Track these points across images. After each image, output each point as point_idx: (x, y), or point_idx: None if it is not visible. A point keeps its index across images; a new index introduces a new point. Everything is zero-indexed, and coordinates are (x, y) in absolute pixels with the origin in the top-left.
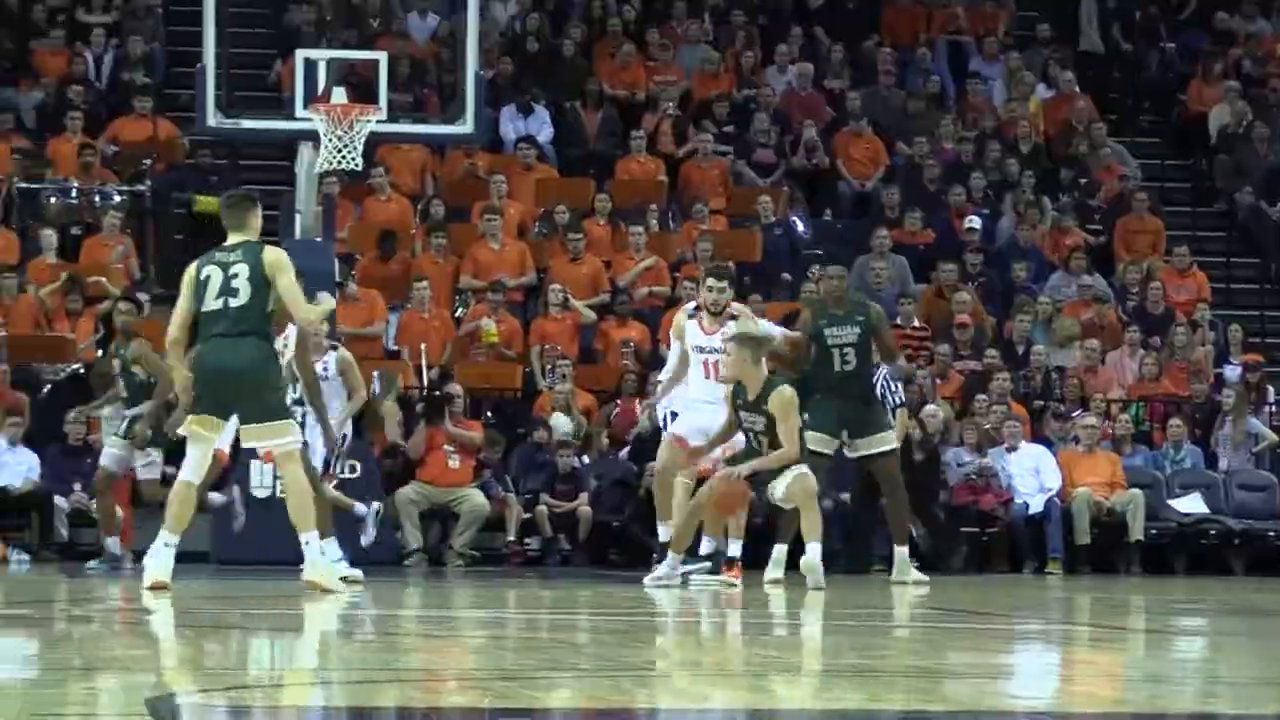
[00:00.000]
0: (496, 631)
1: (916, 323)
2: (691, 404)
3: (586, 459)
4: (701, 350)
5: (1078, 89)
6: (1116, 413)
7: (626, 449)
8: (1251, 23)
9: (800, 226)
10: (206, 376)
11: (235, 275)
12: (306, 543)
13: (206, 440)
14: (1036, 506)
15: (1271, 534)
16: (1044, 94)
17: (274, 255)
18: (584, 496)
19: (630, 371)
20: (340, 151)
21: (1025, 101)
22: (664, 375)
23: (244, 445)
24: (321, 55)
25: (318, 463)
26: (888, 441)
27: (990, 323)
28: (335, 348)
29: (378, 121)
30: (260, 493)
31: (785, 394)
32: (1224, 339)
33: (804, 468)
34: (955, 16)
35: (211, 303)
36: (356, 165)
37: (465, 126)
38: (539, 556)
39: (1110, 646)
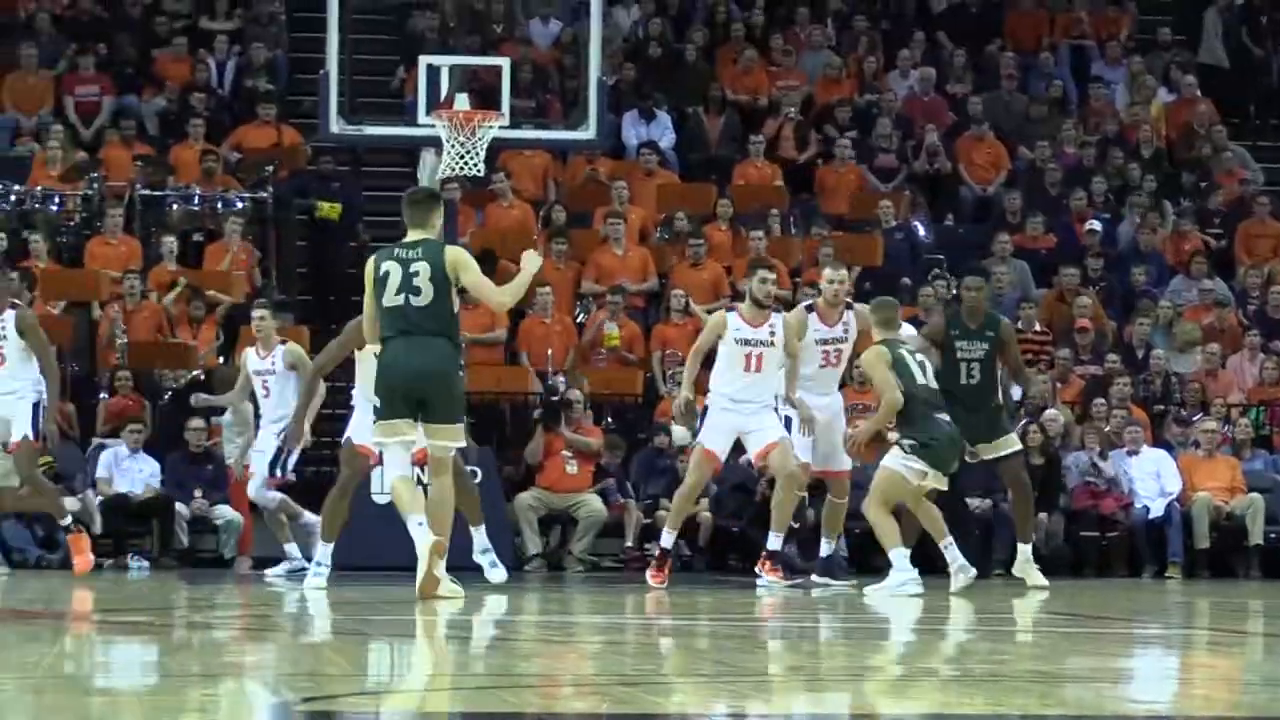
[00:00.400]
0: (615, 637)
1: (1038, 327)
2: (729, 403)
3: None
4: (747, 343)
5: (1199, 93)
6: (1236, 417)
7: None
8: None
9: (921, 231)
10: (395, 377)
11: (416, 274)
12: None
13: (406, 439)
14: (1157, 511)
15: None
16: (1165, 98)
17: (456, 254)
18: (704, 502)
19: None
20: (462, 158)
21: (1147, 105)
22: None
23: (429, 444)
24: (444, 61)
25: (262, 464)
26: (1011, 444)
27: (1111, 327)
28: (284, 341)
29: (500, 127)
30: (380, 499)
31: (871, 353)
32: None
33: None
34: (1078, 20)
35: (392, 299)
36: (479, 171)
37: (587, 132)
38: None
39: (1229, 651)
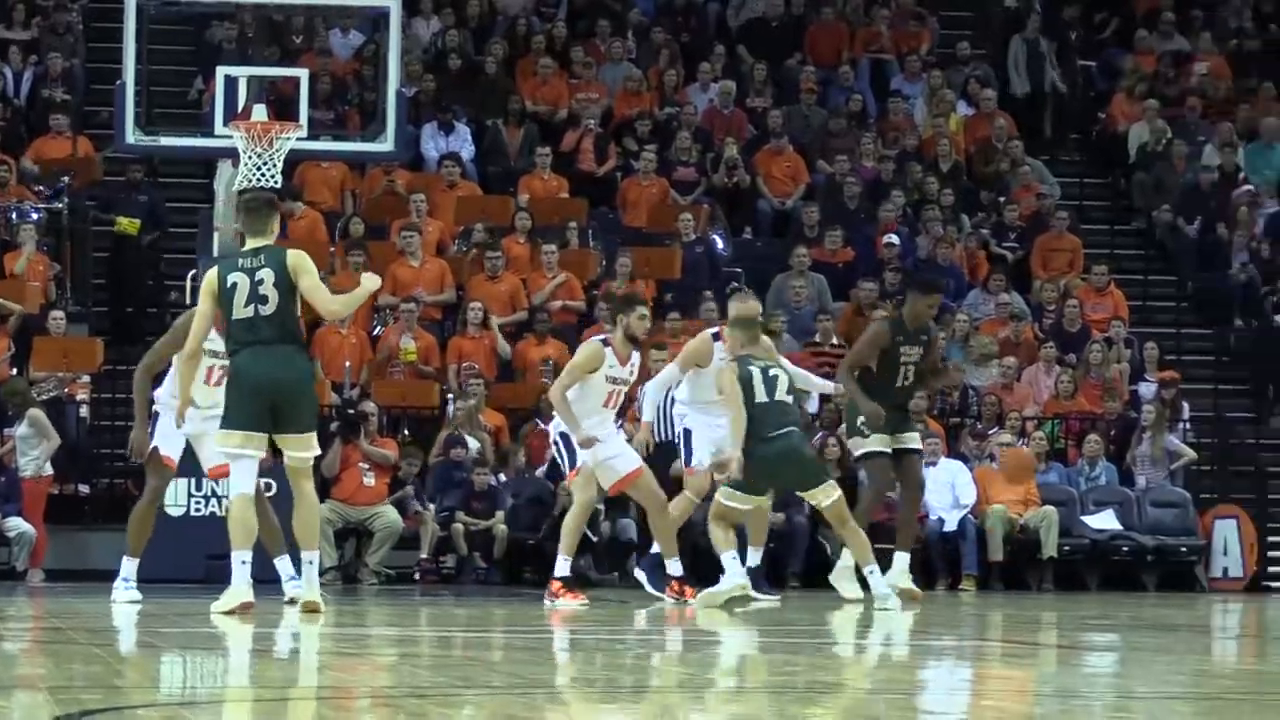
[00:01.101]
0: (409, 649)
1: (835, 340)
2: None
3: (503, 477)
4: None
5: (997, 106)
6: (1032, 430)
7: (543, 467)
8: (1169, 40)
9: (720, 244)
10: (248, 388)
11: (261, 281)
12: (310, 562)
13: (255, 454)
14: (951, 523)
15: (1184, 550)
16: (964, 112)
17: (296, 257)
18: (500, 514)
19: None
20: (259, 169)
21: (946, 120)
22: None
23: (287, 456)
24: (242, 72)
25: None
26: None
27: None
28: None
29: (298, 139)
30: (174, 510)
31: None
32: (1140, 357)
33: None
34: (878, 35)
35: (241, 311)
36: (276, 182)
37: (386, 144)
38: (454, 574)
39: (1021, 662)
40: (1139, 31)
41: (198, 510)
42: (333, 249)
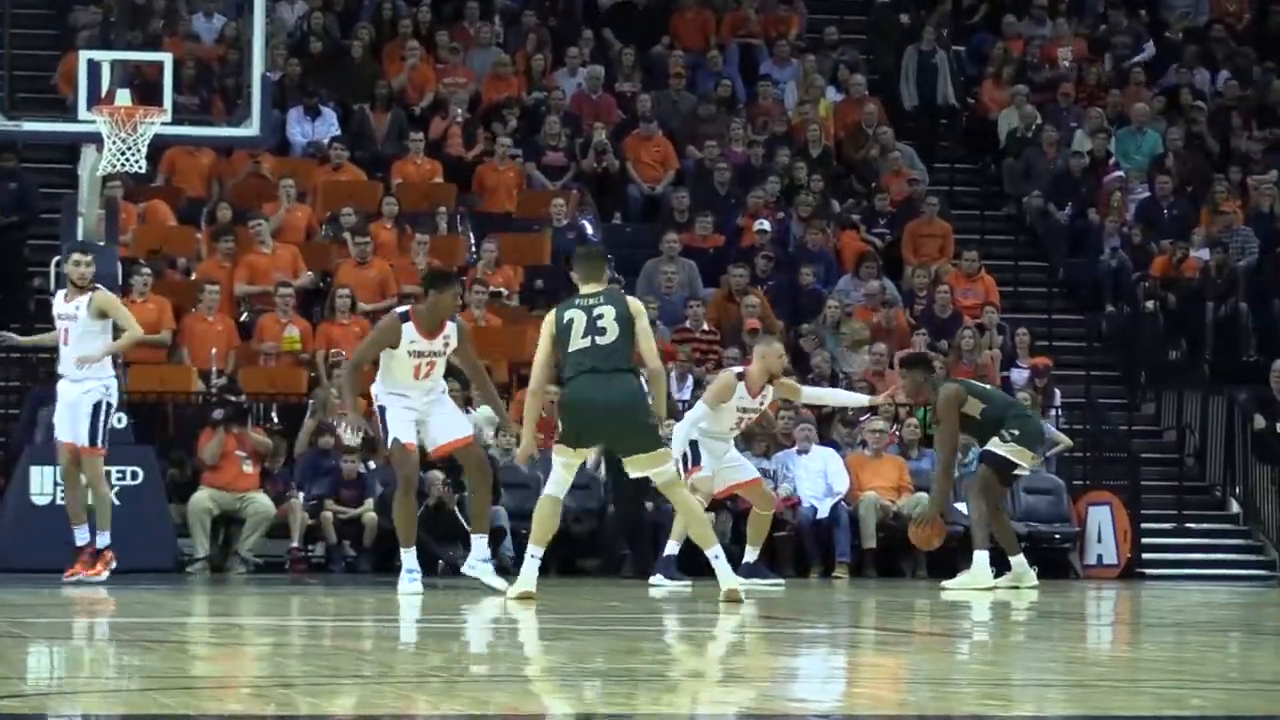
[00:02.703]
0: (279, 639)
1: (706, 326)
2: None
3: (373, 464)
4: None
5: (867, 92)
6: (905, 416)
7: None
8: (1040, 25)
9: (589, 229)
10: (579, 410)
11: (601, 316)
12: (716, 556)
13: (573, 464)
14: (824, 510)
15: (1058, 537)
16: (834, 97)
17: (635, 303)
18: (369, 503)
19: None
20: (124, 154)
21: (816, 105)
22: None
23: (630, 472)
24: (105, 56)
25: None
26: None
27: (779, 326)
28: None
29: (162, 124)
30: (40, 499)
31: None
32: (1012, 343)
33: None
34: (746, 19)
35: (579, 341)
36: (140, 168)
37: (251, 129)
38: (323, 563)
39: (895, 650)
40: (1007, 16)
41: (63, 500)
42: (199, 234)
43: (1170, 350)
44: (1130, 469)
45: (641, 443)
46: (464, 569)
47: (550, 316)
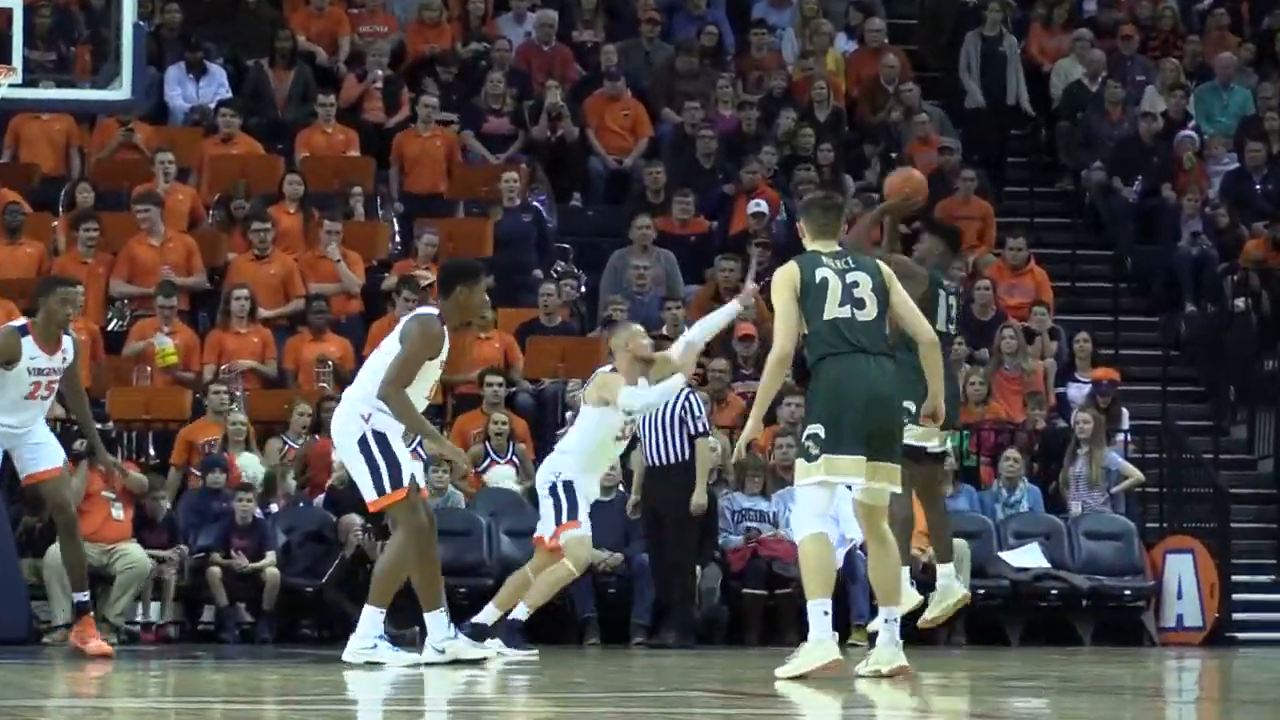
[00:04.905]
0: None
1: None
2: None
3: (273, 507)
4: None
5: (887, 40)
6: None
7: (322, 495)
8: None
9: (544, 213)
10: (846, 401)
11: (856, 284)
12: (889, 620)
13: (831, 482)
14: (836, 560)
15: (1127, 593)
16: (845, 47)
17: (887, 268)
18: (271, 555)
19: (329, 397)
20: None
21: (822, 57)
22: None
23: (867, 492)
24: None
25: None
26: None
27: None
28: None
29: (11, 85)
30: None
31: None
32: (1069, 351)
33: None
34: None
35: (835, 309)
36: None
37: (121, 90)
38: (213, 630)
39: None
40: None
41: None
42: (55, 223)
43: (1266, 360)
44: (1217, 508)
45: (899, 450)
46: (425, 659)
47: (791, 271)
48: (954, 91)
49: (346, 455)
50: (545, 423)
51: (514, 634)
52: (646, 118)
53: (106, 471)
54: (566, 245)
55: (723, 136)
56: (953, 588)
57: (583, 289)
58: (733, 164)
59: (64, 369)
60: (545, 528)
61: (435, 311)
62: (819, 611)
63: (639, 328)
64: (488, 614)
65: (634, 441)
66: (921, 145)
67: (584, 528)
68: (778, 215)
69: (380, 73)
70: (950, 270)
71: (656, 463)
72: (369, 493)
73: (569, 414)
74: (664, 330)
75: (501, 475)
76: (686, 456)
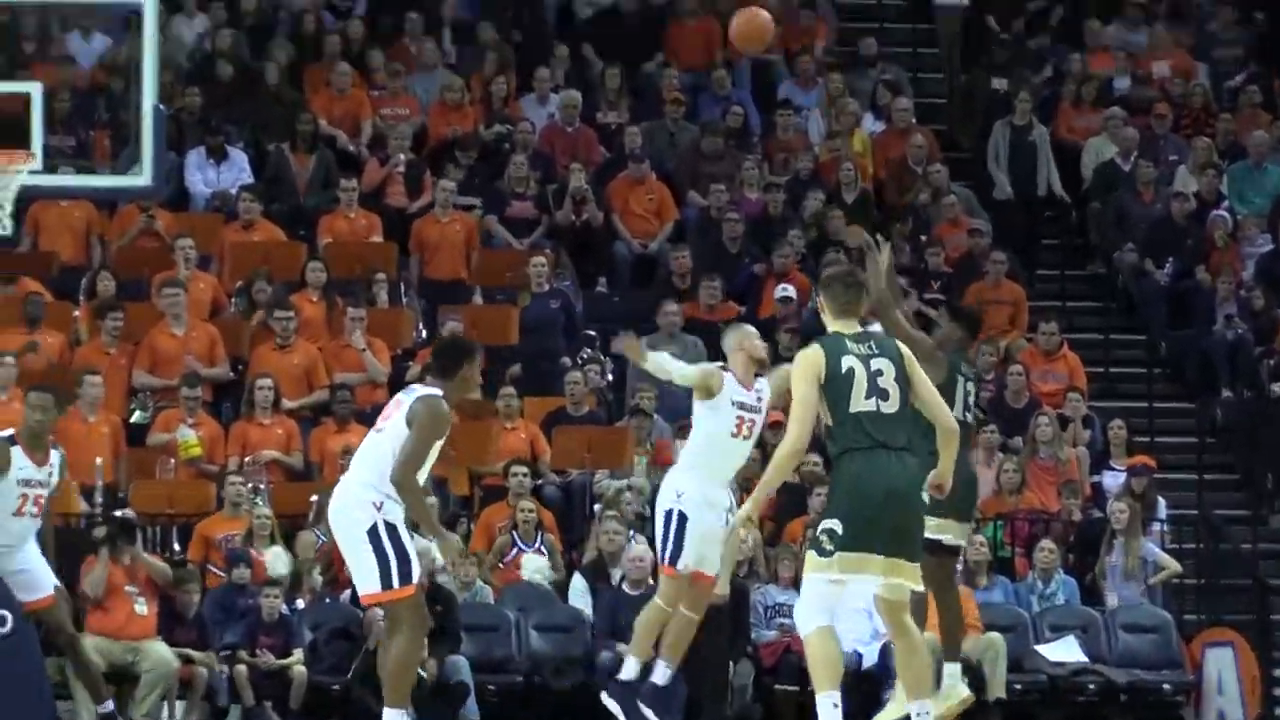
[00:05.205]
0: None
1: None
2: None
3: (300, 603)
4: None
5: (915, 120)
6: (969, 535)
7: (348, 590)
8: (1134, 30)
9: (572, 299)
10: (864, 499)
11: (880, 372)
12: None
13: (844, 580)
14: (871, 657)
15: (1166, 688)
16: (872, 127)
17: (909, 352)
18: (298, 653)
19: None
20: None
21: (849, 137)
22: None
23: (887, 584)
24: None
25: None
26: None
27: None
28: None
29: (30, 172)
30: None
31: None
32: (1103, 438)
33: None
34: None
35: (861, 403)
36: (4, 230)
37: (141, 176)
38: None
39: None
40: (1090, 22)
41: None
42: (77, 312)
43: None
44: (1258, 600)
45: (918, 548)
46: None
47: (814, 356)
48: (984, 173)
49: (351, 544)
50: (573, 515)
51: (657, 700)
52: (672, 201)
53: (132, 564)
54: (593, 332)
55: (749, 219)
56: (957, 688)
57: (609, 377)
58: (759, 247)
59: (51, 484)
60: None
61: (439, 392)
62: (828, 704)
63: (751, 329)
64: (629, 668)
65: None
66: (950, 227)
67: (684, 569)
68: (807, 302)
69: (403, 156)
70: (970, 355)
71: None
72: (373, 585)
73: (596, 506)
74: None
75: (532, 565)
76: None
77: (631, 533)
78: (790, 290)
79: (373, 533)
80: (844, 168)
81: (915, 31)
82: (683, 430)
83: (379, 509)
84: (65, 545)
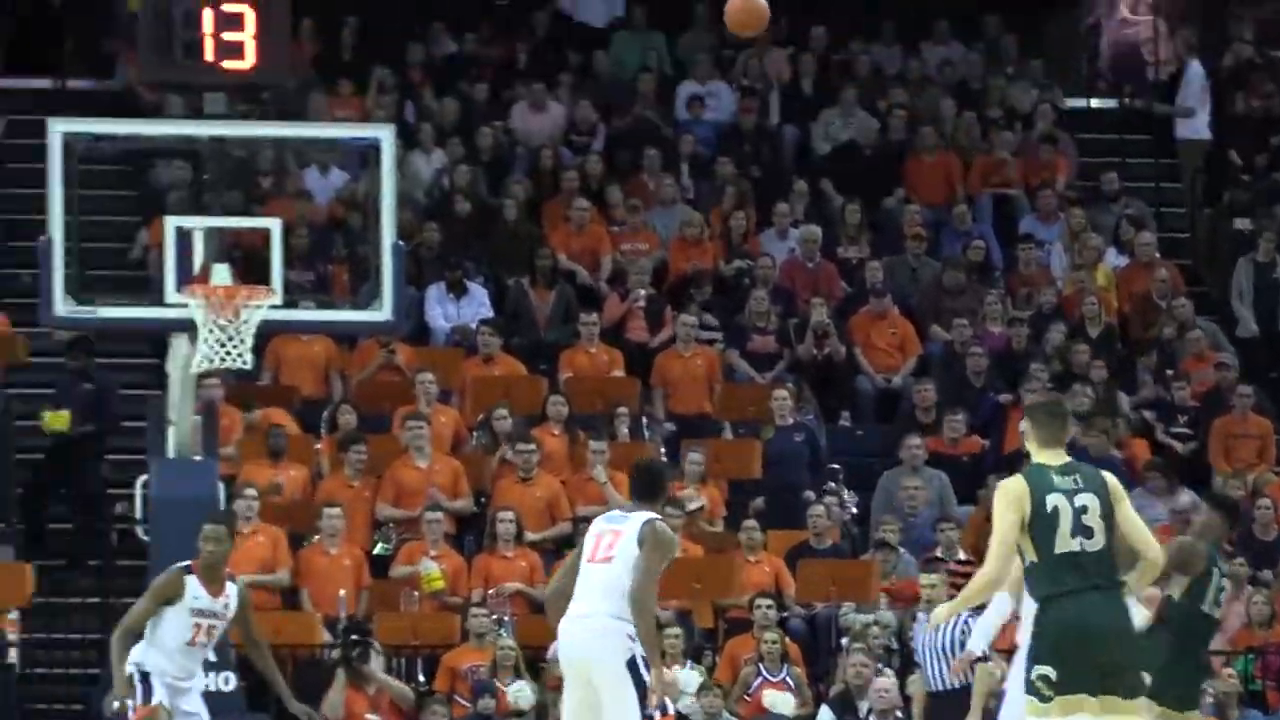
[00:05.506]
0: None
1: (962, 555)
2: None
3: None
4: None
5: (1158, 255)
6: (1220, 667)
7: None
8: None
9: (815, 434)
10: (1073, 642)
11: (1085, 509)
12: None
13: None
14: None
15: None
16: (1115, 261)
17: (1115, 481)
18: None
19: None
20: (223, 345)
21: (1092, 271)
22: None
23: None
24: (197, 223)
25: None
26: None
27: None
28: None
29: (270, 307)
30: None
31: None
32: None
33: None
34: (1001, 164)
35: (1066, 542)
36: (245, 363)
37: (381, 311)
38: None
39: None
40: None
41: None
42: (318, 445)
43: None
44: None
45: (1141, 683)
46: None
47: (1021, 492)
48: (1228, 308)
49: (612, 677)
50: (819, 648)
51: None
52: (914, 335)
53: (376, 693)
54: (837, 465)
55: (992, 353)
56: None
57: (853, 510)
58: (1003, 381)
59: (227, 616)
60: None
61: (658, 516)
62: None
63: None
64: None
65: (912, 665)
66: (1197, 361)
67: None
68: None
69: (643, 291)
70: (1224, 544)
71: (937, 687)
72: (633, 716)
73: (843, 639)
74: (938, 552)
75: (777, 700)
76: (969, 680)
77: (879, 665)
78: None
79: (631, 664)
80: (1088, 302)
81: (1157, 165)
82: (928, 564)
83: (634, 641)
84: (307, 674)
